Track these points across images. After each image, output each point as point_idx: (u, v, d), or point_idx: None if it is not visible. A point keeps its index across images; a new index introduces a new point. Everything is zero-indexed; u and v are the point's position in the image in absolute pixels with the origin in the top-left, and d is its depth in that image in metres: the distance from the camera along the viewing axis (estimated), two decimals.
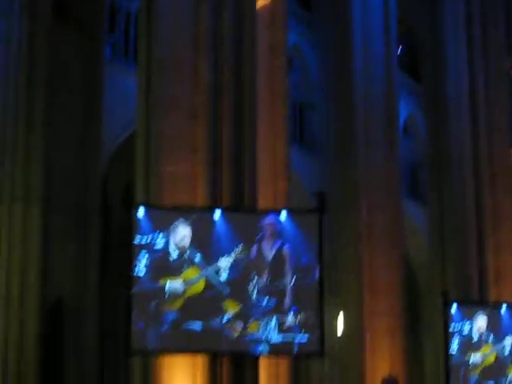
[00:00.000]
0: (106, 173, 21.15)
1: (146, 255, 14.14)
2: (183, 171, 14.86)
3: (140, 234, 14.17)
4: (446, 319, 19.85)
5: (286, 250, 14.59)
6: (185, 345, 14.15)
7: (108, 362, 20.81)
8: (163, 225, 14.25)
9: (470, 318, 19.88)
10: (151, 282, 14.13)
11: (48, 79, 18.91)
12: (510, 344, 19.99)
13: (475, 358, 19.89)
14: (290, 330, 14.36)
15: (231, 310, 14.28)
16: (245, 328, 14.26)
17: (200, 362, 14.32)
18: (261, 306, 14.36)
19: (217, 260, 14.30)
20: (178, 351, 14.23)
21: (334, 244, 21.14)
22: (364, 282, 20.47)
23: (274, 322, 14.32)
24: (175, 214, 14.35)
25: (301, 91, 25.63)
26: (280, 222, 14.61)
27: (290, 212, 14.75)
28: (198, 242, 14.30)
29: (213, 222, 14.40)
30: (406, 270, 21.90)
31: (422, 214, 26.28)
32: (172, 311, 14.12)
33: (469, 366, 19.90)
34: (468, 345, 19.86)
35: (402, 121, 26.94)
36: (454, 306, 19.98)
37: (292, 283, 14.48)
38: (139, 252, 14.13)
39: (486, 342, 19.91)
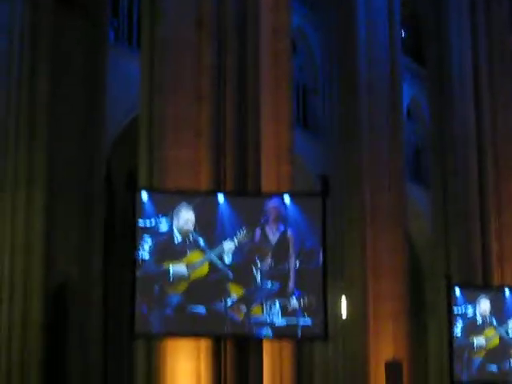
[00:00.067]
0: (109, 157, 21.11)
1: (150, 239, 14.14)
2: (186, 155, 14.83)
3: (143, 218, 14.17)
4: (450, 302, 19.89)
5: (289, 233, 14.57)
6: (189, 328, 14.16)
7: (112, 349, 20.82)
8: (166, 209, 14.24)
9: (473, 301, 19.93)
10: (155, 265, 14.13)
11: (51, 67, 18.86)
12: None
13: (479, 340, 19.95)
14: (293, 313, 14.36)
15: (235, 293, 14.29)
16: (248, 311, 14.27)
17: (203, 345, 14.33)
18: (265, 289, 14.36)
19: (220, 244, 14.30)
20: (181, 334, 14.26)
21: (337, 228, 21.15)
22: (367, 265, 20.47)
23: (277, 305, 14.33)
24: (178, 198, 14.33)
25: (304, 74, 25.56)
26: (284, 205, 14.59)
27: (294, 196, 14.73)
28: (201, 225, 14.29)
29: (216, 205, 14.38)
30: (410, 254, 21.90)
31: (425, 197, 26.26)
32: (176, 294, 14.13)
33: (473, 348, 19.96)
34: (471, 328, 19.91)
35: (405, 104, 26.90)
36: (457, 289, 20.02)
37: (296, 267, 14.47)
38: (142, 236, 14.13)
39: (490, 324, 19.96)
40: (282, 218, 14.57)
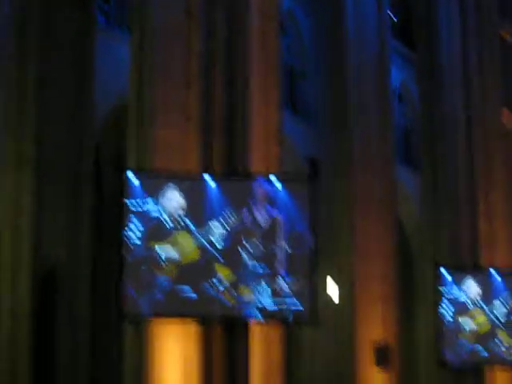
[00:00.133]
0: (98, 141, 21.10)
1: (137, 220, 14.14)
2: (176, 137, 14.85)
3: (131, 199, 14.17)
4: (438, 285, 19.96)
5: (279, 217, 14.59)
6: (177, 310, 14.19)
7: (100, 331, 20.84)
8: (154, 190, 14.25)
9: (462, 283, 20.00)
10: (143, 247, 14.14)
11: (39, 51, 18.81)
12: (500, 309, 20.12)
13: (467, 323, 20.03)
14: (282, 296, 14.40)
15: (224, 275, 14.32)
16: (237, 294, 14.30)
17: (192, 327, 14.37)
18: (254, 272, 14.40)
19: (209, 226, 14.31)
20: (170, 316, 14.28)
21: (326, 211, 21.14)
22: (357, 248, 20.49)
23: (266, 288, 14.36)
24: (167, 180, 14.34)
25: (294, 58, 25.50)
26: (272, 187, 14.61)
27: (283, 179, 14.74)
28: (189, 207, 14.30)
29: (205, 187, 14.39)
30: (399, 237, 21.94)
31: (414, 180, 26.26)
32: (164, 277, 14.15)
33: (461, 331, 20.04)
34: (460, 310, 20.00)
35: (396, 88, 26.88)
36: (446, 271, 20.10)
37: (285, 250, 14.50)
38: (130, 217, 14.13)
39: (478, 307, 20.03)
40: (270, 200, 14.58)
